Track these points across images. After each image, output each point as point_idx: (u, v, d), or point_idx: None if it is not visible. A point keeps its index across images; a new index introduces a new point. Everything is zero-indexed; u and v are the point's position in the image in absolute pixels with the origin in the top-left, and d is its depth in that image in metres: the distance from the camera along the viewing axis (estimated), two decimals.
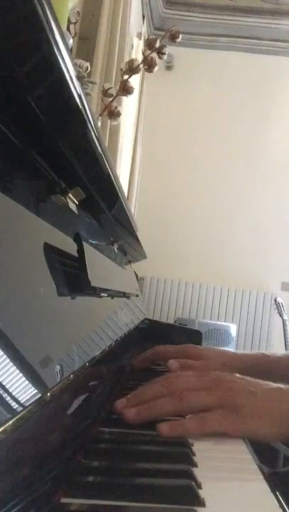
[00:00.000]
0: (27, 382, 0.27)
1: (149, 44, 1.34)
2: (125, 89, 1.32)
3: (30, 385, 0.28)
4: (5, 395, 0.24)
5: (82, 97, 0.41)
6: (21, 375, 0.27)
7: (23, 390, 0.27)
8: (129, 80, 1.32)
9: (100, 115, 1.34)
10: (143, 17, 3.26)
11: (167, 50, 1.36)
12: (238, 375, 0.51)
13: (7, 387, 0.25)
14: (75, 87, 0.38)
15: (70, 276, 0.49)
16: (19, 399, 0.26)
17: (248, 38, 3.63)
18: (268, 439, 0.47)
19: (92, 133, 0.46)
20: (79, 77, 0.42)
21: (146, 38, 1.55)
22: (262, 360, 0.71)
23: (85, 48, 1.99)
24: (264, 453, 0.48)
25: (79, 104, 0.40)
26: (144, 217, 3.27)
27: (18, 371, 0.27)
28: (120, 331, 0.68)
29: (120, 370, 0.72)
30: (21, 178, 0.42)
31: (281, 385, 0.49)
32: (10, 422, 0.23)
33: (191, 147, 3.67)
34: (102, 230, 0.80)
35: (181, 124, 3.69)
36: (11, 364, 0.26)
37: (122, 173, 2.87)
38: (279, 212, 3.60)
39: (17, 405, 0.25)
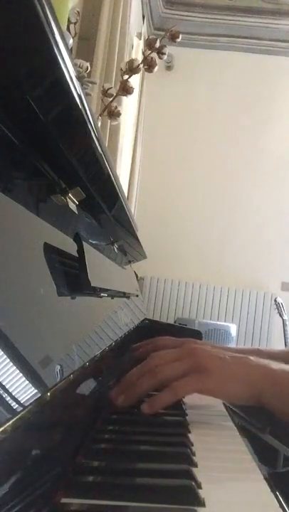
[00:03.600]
0: (27, 382, 0.27)
1: (149, 44, 1.34)
2: (125, 89, 1.31)
3: (30, 385, 0.28)
4: (5, 395, 0.24)
5: (82, 97, 0.41)
6: (21, 375, 0.27)
7: (23, 390, 0.27)
8: (129, 80, 1.32)
9: (100, 115, 1.34)
10: (143, 17, 3.26)
11: (167, 50, 1.36)
12: (210, 345, 0.56)
13: (7, 387, 0.25)
14: (75, 87, 0.38)
15: (70, 276, 0.49)
16: (19, 399, 0.26)
17: (248, 38, 3.63)
18: (238, 398, 0.51)
19: (92, 133, 0.46)
20: (79, 77, 0.42)
21: (146, 38, 1.55)
22: (256, 355, 0.72)
23: (85, 48, 1.99)
24: (264, 453, 0.49)
25: (79, 104, 0.40)
26: (144, 217, 3.27)
27: (18, 371, 0.27)
28: (120, 331, 0.68)
29: (120, 369, 0.72)
30: (21, 178, 0.42)
31: (250, 356, 0.54)
32: (10, 422, 0.23)
33: (191, 147, 3.67)
34: (102, 230, 0.80)
35: (181, 124, 3.69)
36: (11, 364, 0.26)
37: (122, 173, 2.87)
38: (279, 212, 3.60)
39: (17, 405, 0.25)
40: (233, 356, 0.53)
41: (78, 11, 1.25)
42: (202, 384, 0.50)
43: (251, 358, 0.53)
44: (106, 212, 0.73)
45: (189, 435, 0.46)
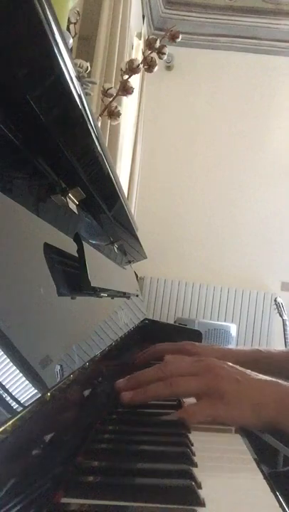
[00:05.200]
0: (27, 382, 0.27)
1: (149, 44, 1.34)
2: (125, 89, 1.31)
3: (30, 385, 0.28)
4: (5, 395, 0.24)
5: (82, 97, 0.41)
6: (21, 375, 0.27)
7: (23, 390, 0.27)
8: (129, 80, 1.32)
9: (100, 115, 1.34)
10: (143, 17, 3.26)
11: (167, 50, 1.36)
12: (229, 363, 0.54)
13: (7, 387, 0.25)
14: (75, 87, 0.38)
15: (70, 276, 0.49)
16: (19, 399, 0.26)
17: (248, 38, 3.63)
18: (247, 426, 0.50)
19: (92, 133, 0.46)
20: (79, 77, 0.42)
21: (147, 38, 1.55)
22: (256, 356, 0.75)
23: (85, 48, 1.99)
24: (264, 453, 0.49)
25: (79, 104, 0.40)
26: (144, 217, 3.27)
27: (18, 371, 0.27)
28: (120, 331, 0.68)
29: (120, 369, 0.72)
30: (21, 178, 0.42)
31: (269, 377, 0.52)
32: (10, 422, 0.23)
33: (190, 147, 3.67)
34: (102, 230, 0.80)
35: (181, 124, 3.69)
36: (11, 364, 0.26)
37: (122, 173, 2.87)
38: (279, 212, 3.60)
39: (17, 405, 0.25)
40: (250, 380, 0.51)
41: (78, 11, 1.25)
42: (215, 412, 0.48)
43: (268, 381, 0.51)
44: (106, 212, 0.73)
45: (189, 435, 0.46)
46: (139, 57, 1.40)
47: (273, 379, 0.51)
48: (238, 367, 0.53)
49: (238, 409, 0.48)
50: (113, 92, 1.31)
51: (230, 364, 0.53)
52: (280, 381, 0.51)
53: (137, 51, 2.98)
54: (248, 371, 0.53)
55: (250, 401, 0.48)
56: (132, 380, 0.53)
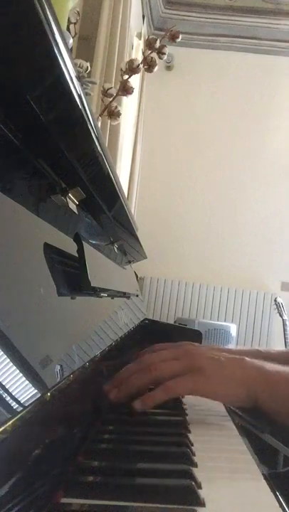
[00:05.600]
0: (27, 382, 0.27)
1: (149, 44, 1.34)
2: (125, 89, 1.31)
3: (30, 385, 0.28)
4: (5, 395, 0.24)
5: (82, 97, 0.41)
6: (21, 375, 0.27)
7: (23, 390, 0.27)
8: (129, 80, 1.32)
9: (100, 115, 1.34)
10: (143, 17, 3.26)
11: (167, 50, 1.36)
12: (207, 348, 0.57)
13: (7, 387, 0.25)
14: (75, 87, 0.38)
15: (70, 276, 0.49)
16: (19, 399, 0.26)
17: (248, 38, 3.63)
18: (233, 401, 0.52)
19: (92, 133, 0.46)
20: (79, 77, 0.42)
21: (147, 38, 1.55)
22: (255, 356, 0.73)
23: (85, 48, 1.99)
24: (264, 453, 0.49)
25: (79, 104, 0.40)
26: (144, 217, 3.27)
27: (18, 371, 0.27)
28: (120, 331, 0.68)
29: (120, 369, 0.72)
30: (21, 178, 0.42)
31: (246, 357, 0.54)
32: (10, 422, 0.23)
33: (191, 147, 3.67)
34: (102, 230, 0.80)
35: (181, 123, 3.69)
36: (11, 364, 0.26)
37: (122, 173, 2.87)
38: (279, 212, 3.60)
39: (17, 405, 0.25)
40: (228, 358, 0.53)
41: (78, 11, 1.25)
42: (196, 385, 0.50)
43: (246, 359, 0.54)
44: (106, 212, 0.73)
45: (189, 435, 0.46)
46: (139, 57, 1.40)
47: (247, 357, 0.54)
48: (214, 350, 0.56)
49: (219, 383, 0.50)
50: (113, 92, 1.31)
51: (210, 346, 0.56)
52: (254, 360, 0.54)
53: (137, 51, 2.98)
54: (224, 353, 0.56)
55: (230, 376, 0.51)
56: (116, 379, 0.54)
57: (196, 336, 1.12)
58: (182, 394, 0.51)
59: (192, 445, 0.43)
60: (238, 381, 0.50)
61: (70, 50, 0.78)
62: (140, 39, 3.06)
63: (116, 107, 1.30)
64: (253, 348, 0.78)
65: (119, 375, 0.54)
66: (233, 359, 0.54)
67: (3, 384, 0.25)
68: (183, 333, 1.18)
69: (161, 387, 0.50)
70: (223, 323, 3.10)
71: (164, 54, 1.35)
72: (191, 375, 0.50)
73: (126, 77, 1.32)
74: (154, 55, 1.35)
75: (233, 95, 3.68)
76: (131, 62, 1.32)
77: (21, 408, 0.25)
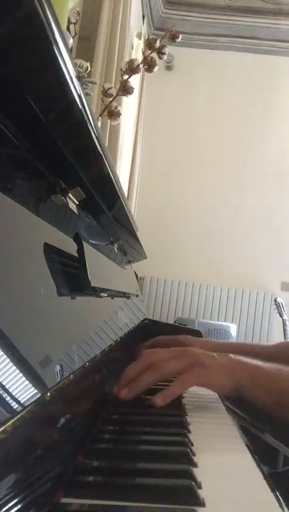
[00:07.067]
0: (27, 382, 0.27)
1: (149, 44, 1.34)
2: (125, 89, 1.31)
3: (30, 385, 0.28)
4: (5, 395, 0.24)
5: (82, 97, 0.41)
6: (21, 375, 0.27)
7: (23, 390, 0.27)
8: (129, 80, 1.32)
9: (100, 115, 1.34)
10: (143, 17, 3.26)
11: (167, 50, 1.36)
12: (201, 342, 0.71)
13: (7, 387, 0.25)
14: (75, 87, 0.38)
15: (70, 276, 0.49)
16: (19, 399, 0.26)
17: (248, 38, 3.63)
18: (225, 390, 0.59)
19: (92, 133, 0.46)
20: (79, 77, 0.42)
21: (146, 38, 1.55)
22: (245, 349, 0.84)
23: (85, 48, 1.99)
24: (264, 453, 0.49)
25: (79, 104, 0.40)
26: (144, 217, 3.27)
27: (18, 371, 0.27)
28: (120, 331, 0.68)
29: (120, 369, 0.72)
30: (21, 178, 0.42)
31: (230, 354, 0.63)
32: (10, 422, 0.23)
33: (191, 147, 3.67)
34: (102, 230, 0.80)
35: (181, 123, 3.69)
36: (11, 364, 0.26)
37: (122, 173, 2.87)
38: (279, 212, 3.60)
39: (17, 405, 0.25)
40: (218, 354, 0.61)
41: (78, 11, 1.25)
42: (200, 377, 0.58)
43: (231, 355, 0.62)
44: (106, 212, 0.73)
45: (189, 435, 0.46)
46: (139, 57, 1.40)
47: (238, 356, 0.62)
48: (209, 341, 0.69)
49: (215, 373, 0.58)
50: (113, 92, 1.31)
51: (204, 340, 0.67)
52: (239, 356, 0.62)
53: (137, 51, 2.98)
54: (217, 345, 0.70)
55: (225, 368, 0.59)
56: (124, 379, 0.58)
57: (196, 336, 1.12)
58: (192, 386, 0.58)
59: (192, 445, 0.43)
60: (228, 372, 0.59)
61: (70, 50, 0.78)
62: (140, 39, 3.06)
63: (116, 107, 1.30)
64: (244, 342, 0.87)
65: (127, 375, 0.58)
66: (221, 354, 0.62)
67: (3, 384, 0.25)
68: (183, 333, 1.18)
69: (176, 382, 0.56)
70: (223, 323, 3.10)
71: (164, 54, 1.35)
72: (196, 369, 0.58)
73: (126, 77, 1.32)
74: (154, 55, 1.35)
75: (233, 95, 3.68)
76: (131, 62, 1.32)
77: (21, 408, 0.25)
